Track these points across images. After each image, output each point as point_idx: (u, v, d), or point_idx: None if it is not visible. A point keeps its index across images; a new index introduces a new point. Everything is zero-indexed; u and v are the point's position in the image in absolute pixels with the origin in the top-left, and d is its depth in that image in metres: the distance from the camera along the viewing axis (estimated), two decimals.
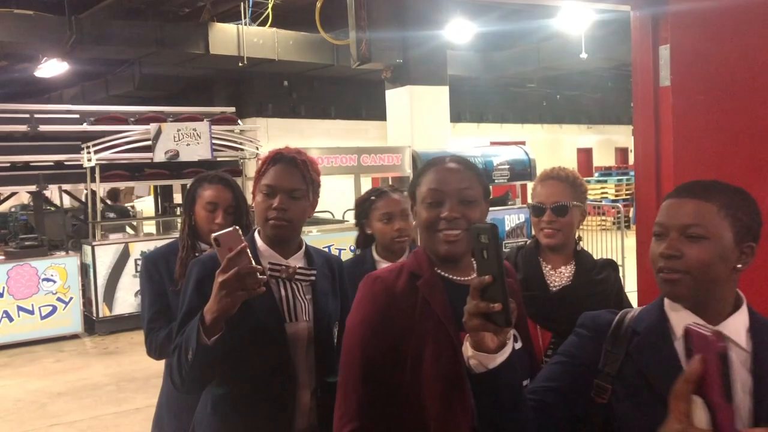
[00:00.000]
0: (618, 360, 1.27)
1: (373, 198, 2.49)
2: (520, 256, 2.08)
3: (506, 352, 1.16)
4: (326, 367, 1.81)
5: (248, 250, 1.55)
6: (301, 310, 1.82)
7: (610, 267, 2.03)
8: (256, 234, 1.87)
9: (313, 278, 1.87)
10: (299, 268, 1.85)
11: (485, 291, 1.11)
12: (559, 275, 2.01)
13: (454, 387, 1.34)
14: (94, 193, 8.08)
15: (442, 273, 1.47)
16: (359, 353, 1.43)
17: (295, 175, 1.80)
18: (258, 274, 1.55)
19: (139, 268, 7.71)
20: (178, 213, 9.28)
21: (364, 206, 2.59)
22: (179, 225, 2.77)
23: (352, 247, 10.75)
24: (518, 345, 1.48)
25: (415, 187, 1.53)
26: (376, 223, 2.48)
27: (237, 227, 1.61)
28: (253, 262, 1.56)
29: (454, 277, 1.47)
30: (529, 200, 2.04)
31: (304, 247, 1.92)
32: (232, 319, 1.59)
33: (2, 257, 7.55)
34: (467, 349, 1.18)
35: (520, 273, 1.99)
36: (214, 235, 1.58)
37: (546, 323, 1.94)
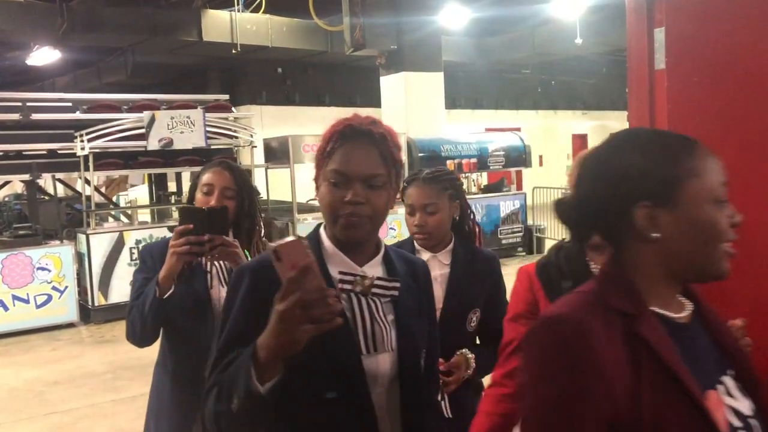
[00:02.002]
0: None
1: (405, 184, 2.24)
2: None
3: None
4: (413, 411, 1.43)
5: (316, 267, 1.17)
6: (382, 336, 1.39)
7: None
8: (321, 231, 1.45)
9: (395, 293, 1.42)
10: (377, 278, 1.41)
11: None
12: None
13: None
14: (87, 181, 8.05)
15: (657, 310, 1.07)
16: None
17: (373, 156, 1.38)
18: (331, 299, 1.17)
19: (134, 257, 7.71)
20: (173, 201, 9.26)
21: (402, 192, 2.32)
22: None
23: None
24: None
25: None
26: (406, 213, 2.25)
27: (302, 237, 1.26)
28: (324, 282, 1.17)
29: (671, 315, 1.08)
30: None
31: (383, 250, 1.47)
32: (295, 359, 1.20)
33: None
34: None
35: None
36: (272, 245, 1.20)
37: None
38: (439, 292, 2.08)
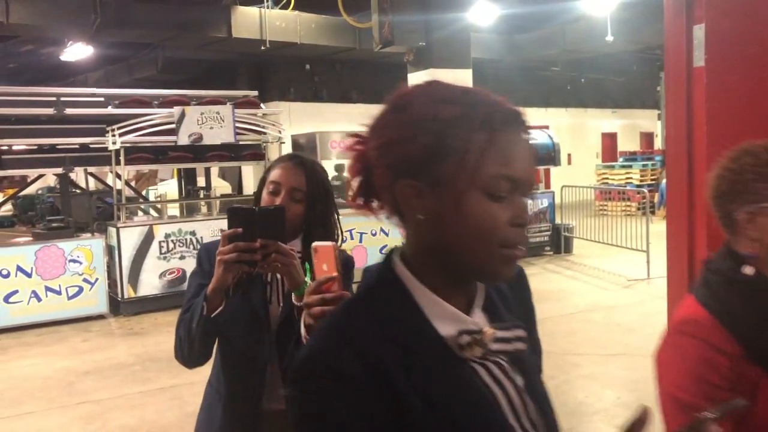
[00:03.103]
0: None
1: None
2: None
3: None
4: None
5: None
6: (524, 413, 0.91)
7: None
8: (400, 265, 0.91)
9: (520, 345, 0.92)
10: (495, 328, 0.89)
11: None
12: None
13: None
14: (118, 175, 8.17)
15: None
16: None
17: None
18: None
19: (163, 250, 7.82)
20: (201, 196, 9.35)
21: None
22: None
23: (374, 231, 10.73)
24: None
25: None
26: None
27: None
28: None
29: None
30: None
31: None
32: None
33: (30, 239, 7.69)
34: None
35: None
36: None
37: None
38: None
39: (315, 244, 1.36)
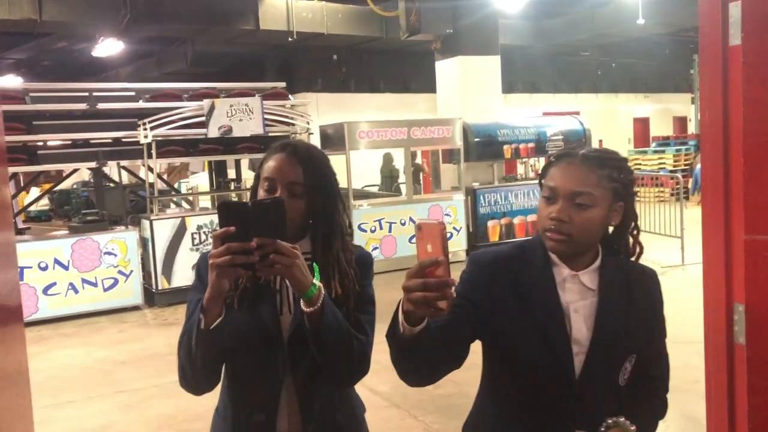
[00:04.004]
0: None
1: (552, 160, 1.61)
2: None
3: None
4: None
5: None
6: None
7: None
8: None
9: None
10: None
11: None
12: None
13: None
14: (150, 168, 8.28)
15: None
16: None
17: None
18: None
19: (195, 241, 7.91)
20: (232, 188, 9.44)
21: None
22: None
23: (403, 221, 10.70)
24: None
25: None
26: (542, 198, 1.61)
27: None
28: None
29: None
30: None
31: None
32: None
33: (66, 232, 7.85)
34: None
35: None
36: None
37: None
38: (582, 329, 1.52)
39: (419, 221, 1.21)
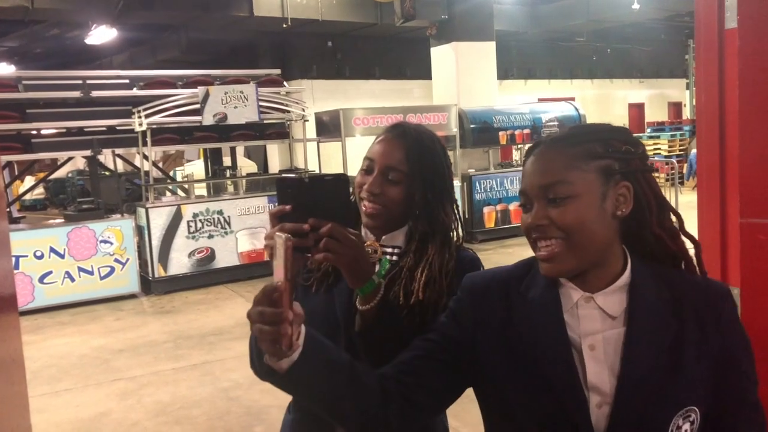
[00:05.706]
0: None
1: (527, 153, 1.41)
2: None
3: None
4: None
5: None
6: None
7: None
8: None
9: None
10: None
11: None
12: None
13: None
14: (146, 156, 8.26)
15: None
16: None
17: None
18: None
19: (191, 229, 7.91)
20: (228, 175, 9.42)
21: None
22: None
23: None
24: None
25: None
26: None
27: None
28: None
29: None
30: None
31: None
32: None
33: (62, 221, 7.83)
34: None
35: None
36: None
37: None
38: (602, 372, 1.09)
39: (276, 229, 1.12)
